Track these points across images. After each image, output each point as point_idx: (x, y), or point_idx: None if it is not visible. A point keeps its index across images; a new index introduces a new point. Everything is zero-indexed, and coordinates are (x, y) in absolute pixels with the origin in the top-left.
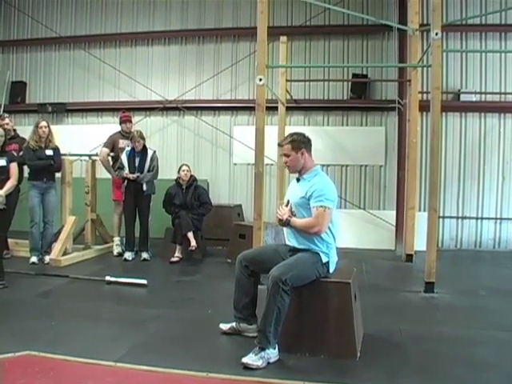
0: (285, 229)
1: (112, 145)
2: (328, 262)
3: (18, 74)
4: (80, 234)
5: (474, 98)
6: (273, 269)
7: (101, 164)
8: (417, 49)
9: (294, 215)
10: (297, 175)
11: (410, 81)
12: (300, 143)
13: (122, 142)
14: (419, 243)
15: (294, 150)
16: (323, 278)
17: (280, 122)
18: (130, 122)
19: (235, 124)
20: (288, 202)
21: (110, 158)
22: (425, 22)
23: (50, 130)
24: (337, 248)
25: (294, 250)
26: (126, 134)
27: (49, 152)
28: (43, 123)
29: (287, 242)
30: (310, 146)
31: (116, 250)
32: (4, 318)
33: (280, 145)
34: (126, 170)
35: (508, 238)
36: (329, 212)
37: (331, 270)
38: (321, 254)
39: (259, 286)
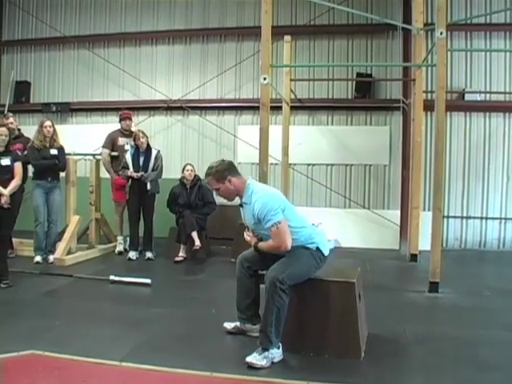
0: None
1: (111, 144)
2: (318, 248)
3: (22, 74)
4: (84, 233)
5: (478, 97)
6: (269, 269)
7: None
8: (421, 48)
9: (260, 237)
10: (239, 199)
11: (414, 80)
12: (222, 173)
13: (122, 140)
14: (423, 243)
15: (220, 182)
16: (322, 264)
17: (284, 122)
18: (130, 119)
19: (239, 123)
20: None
21: (109, 159)
22: (429, 21)
23: (54, 130)
24: (315, 230)
25: None
26: (125, 132)
27: (53, 151)
28: (48, 123)
29: None
30: (234, 168)
31: (117, 248)
32: (8, 317)
33: (206, 181)
34: (131, 169)
35: None
36: (282, 226)
37: (326, 253)
38: (308, 246)
39: (261, 286)
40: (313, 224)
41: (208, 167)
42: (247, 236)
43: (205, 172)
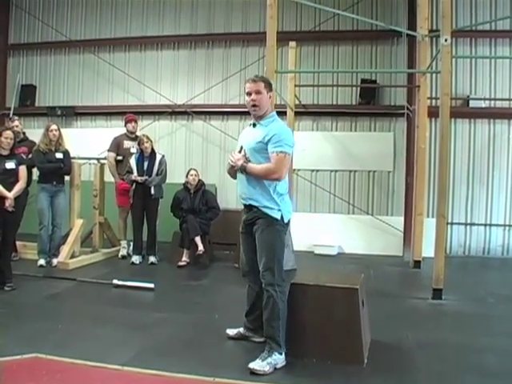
0: (237, 181)
1: (117, 147)
2: (281, 216)
3: (28, 78)
4: (88, 237)
5: (483, 104)
6: (260, 277)
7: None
8: (426, 55)
9: (249, 161)
10: (253, 120)
11: (418, 86)
12: (271, 85)
13: (127, 143)
14: (427, 249)
15: (266, 89)
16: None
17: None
18: (135, 121)
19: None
20: (241, 148)
21: (114, 163)
22: (434, 27)
23: (60, 134)
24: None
25: (248, 211)
26: (130, 135)
27: (59, 155)
28: (54, 126)
29: (240, 199)
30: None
31: (121, 252)
32: (12, 320)
33: (253, 80)
34: (135, 173)
35: None
36: (288, 158)
37: (286, 220)
38: (273, 215)
39: None
40: None
41: (256, 74)
42: (235, 156)
43: (253, 76)
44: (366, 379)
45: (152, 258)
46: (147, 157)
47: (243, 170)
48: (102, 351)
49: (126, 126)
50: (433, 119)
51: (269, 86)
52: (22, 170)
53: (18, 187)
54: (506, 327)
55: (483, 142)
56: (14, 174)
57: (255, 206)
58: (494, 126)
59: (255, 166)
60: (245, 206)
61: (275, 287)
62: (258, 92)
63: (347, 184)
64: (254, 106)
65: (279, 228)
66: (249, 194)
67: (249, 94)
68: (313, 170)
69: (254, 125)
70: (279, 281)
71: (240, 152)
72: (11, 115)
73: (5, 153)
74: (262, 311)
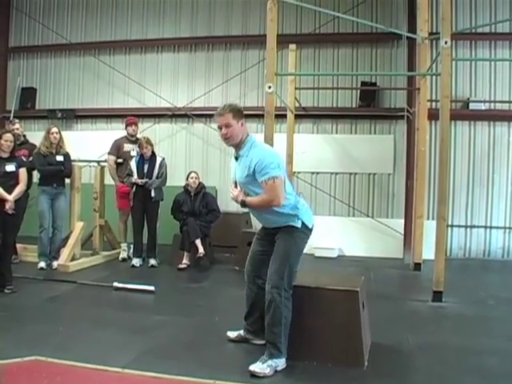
0: (250, 213)
1: (117, 150)
2: (303, 223)
3: (28, 80)
4: (88, 239)
5: (483, 106)
6: (267, 280)
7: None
8: (426, 57)
9: (247, 194)
10: (234, 153)
11: (418, 89)
12: (240, 112)
13: (127, 146)
14: (427, 252)
15: (235, 119)
16: (307, 239)
17: (289, 130)
18: (136, 124)
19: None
20: (236, 182)
21: (115, 166)
22: (434, 30)
23: (60, 136)
24: (299, 201)
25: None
26: (131, 138)
27: (59, 158)
28: (54, 129)
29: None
30: (243, 116)
31: (121, 255)
32: (12, 323)
33: (219, 114)
34: (135, 176)
35: None
36: (279, 181)
37: (310, 226)
38: (292, 223)
39: None
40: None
41: (224, 105)
42: (234, 191)
43: (219, 109)
44: (367, 382)
45: (152, 261)
46: (147, 159)
47: (243, 205)
48: (103, 354)
49: (126, 128)
50: (433, 122)
51: (238, 114)
52: (22, 172)
53: (18, 190)
54: (507, 329)
55: (483, 145)
56: (14, 176)
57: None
58: (494, 128)
59: (253, 200)
60: None
61: (281, 291)
62: (227, 125)
63: (347, 186)
64: (226, 138)
65: (301, 235)
66: (267, 222)
67: (219, 127)
68: (313, 173)
69: (236, 158)
70: (286, 286)
71: (236, 187)
72: (12, 118)
73: (5, 155)
74: (264, 314)
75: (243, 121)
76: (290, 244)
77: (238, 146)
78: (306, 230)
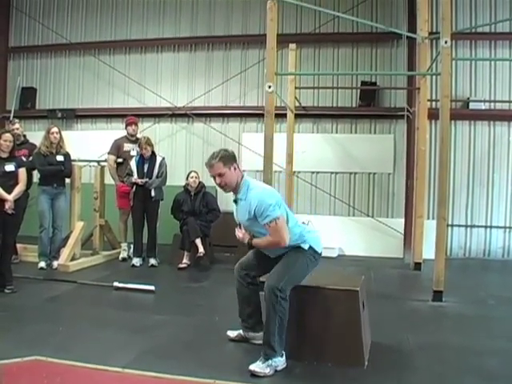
0: None
1: (117, 149)
2: (310, 247)
3: (28, 80)
4: (88, 239)
5: (483, 106)
6: (266, 279)
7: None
8: (426, 57)
9: (253, 234)
10: (233, 197)
11: (419, 89)
12: (230, 158)
13: (127, 146)
14: (427, 251)
15: (226, 167)
16: (316, 262)
17: (289, 129)
18: (136, 124)
19: (244, 131)
20: (240, 224)
21: (115, 165)
22: (434, 30)
23: (61, 136)
24: (306, 229)
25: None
26: (131, 138)
27: (59, 158)
28: (54, 129)
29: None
30: (236, 159)
31: (121, 254)
32: (12, 323)
33: (209, 165)
34: (135, 176)
35: None
36: (280, 220)
37: (319, 250)
38: (301, 246)
39: (261, 293)
40: (302, 222)
41: (213, 152)
42: (239, 233)
43: (209, 159)
44: (367, 381)
45: (152, 261)
46: (147, 159)
47: (250, 246)
48: (103, 354)
49: (126, 128)
50: (433, 121)
51: (228, 161)
52: (22, 172)
53: (18, 190)
54: (507, 329)
55: (483, 144)
56: (13, 176)
57: None
58: (494, 127)
59: (259, 242)
60: None
61: (276, 291)
62: (219, 175)
63: (347, 186)
64: (221, 187)
65: (309, 256)
66: (272, 253)
67: (213, 177)
68: (313, 172)
69: (235, 201)
70: (283, 287)
71: (241, 228)
72: (12, 118)
73: (4, 155)
74: (257, 307)
75: (235, 165)
76: (297, 257)
77: (235, 190)
78: (315, 254)
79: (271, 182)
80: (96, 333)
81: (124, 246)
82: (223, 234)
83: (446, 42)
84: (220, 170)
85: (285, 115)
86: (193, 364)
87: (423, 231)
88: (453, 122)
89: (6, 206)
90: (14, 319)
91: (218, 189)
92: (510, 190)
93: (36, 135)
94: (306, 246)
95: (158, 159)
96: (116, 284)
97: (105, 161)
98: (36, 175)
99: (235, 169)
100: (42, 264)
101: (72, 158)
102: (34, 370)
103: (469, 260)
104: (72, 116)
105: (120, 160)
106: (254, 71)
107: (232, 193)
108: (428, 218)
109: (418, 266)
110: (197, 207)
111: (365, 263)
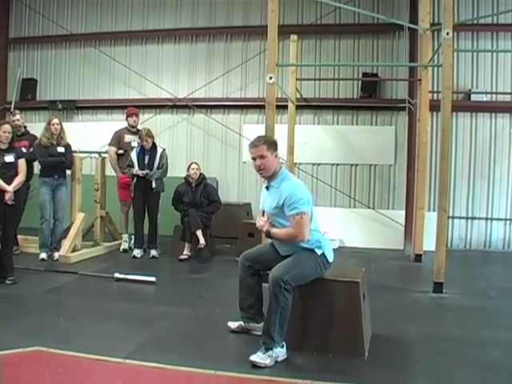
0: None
1: (118, 141)
2: (323, 254)
3: (28, 71)
4: (89, 230)
5: (484, 97)
6: (273, 269)
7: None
8: (427, 48)
9: (273, 224)
10: (266, 182)
11: (420, 80)
12: (273, 145)
13: (128, 137)
14: (428, 243)
15: (269, 151)
16: (325, 270)
17: (290, 121)
18: (137, 115)
19: (245, 122)
20: (264, 212)
21: (115, 157)
22: (436, 21)
23: (61, 128)
24: (323, 236)
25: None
26: (132, 129)
27: (60, 149)
28: (55, 120)
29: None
30: (277, 149)
31: (122, 246)
32: (13, 314)
33: (254, 145)
34: (136, 168)
35: None
36: (306, 217)
37: (330, 260)
38: (314, 249)
39: (263, 284)
40: None
41: (259, 135)
42: (260, 221)
43: (254, 139)
44: (367, 372)
45: (153, 252)
46: (148, 151)
47: (268, 234)
48: (104, 345)
49: (127, 119)
50: (434, 113)
51: (272, 146)
52: (22, 163)
53: (18, 180)
54: (507, 321)
55: (485, 136)
56: (13, 167)
57: None
58: (495, 119)
59: (278, 232)
60: None
61: (280, 282)
62: (261, 156)
63: (348, 178)
64: (260, 169)
65: (319, 261)
66: (284, 251)
67: (253, 159)
68: (314, 164)
69: (267, 187)
70: (289, 279)
71: (263, 215)
72: (12, 109)
73: (3, 147)
74: (259, 298)
75: (277, 153)
76: (308, 257)
77: (270, 178)
78: (326, 262)
79: None
80: (97, 324)
81: (125, 237)
82: (224, 225)
83: (447, 34)
84: (262, 152)
85: (286, 107)
86: (193, 355)
87: (424, 223)
88: (454, 113)
89: (6, 197)
90: (14, 310)
91: (219, 180)
92: (511, 182)
93: (37, 126)
94: (319, 252)
95: (159, 150)
96: (117, 275)
97: (106, 152)
98: (37, 166)
99: (276, 156)
100: (43, 255)
101: (73, 149)
102: (36, 360)
103: (469, 252)
104: (73, 107)
105: (121, 151)
106: (255, 62)
107: (265, 179)
108: (429, 210)
109: (418, 257)
110: (198, 199)
111: (365, 255)
